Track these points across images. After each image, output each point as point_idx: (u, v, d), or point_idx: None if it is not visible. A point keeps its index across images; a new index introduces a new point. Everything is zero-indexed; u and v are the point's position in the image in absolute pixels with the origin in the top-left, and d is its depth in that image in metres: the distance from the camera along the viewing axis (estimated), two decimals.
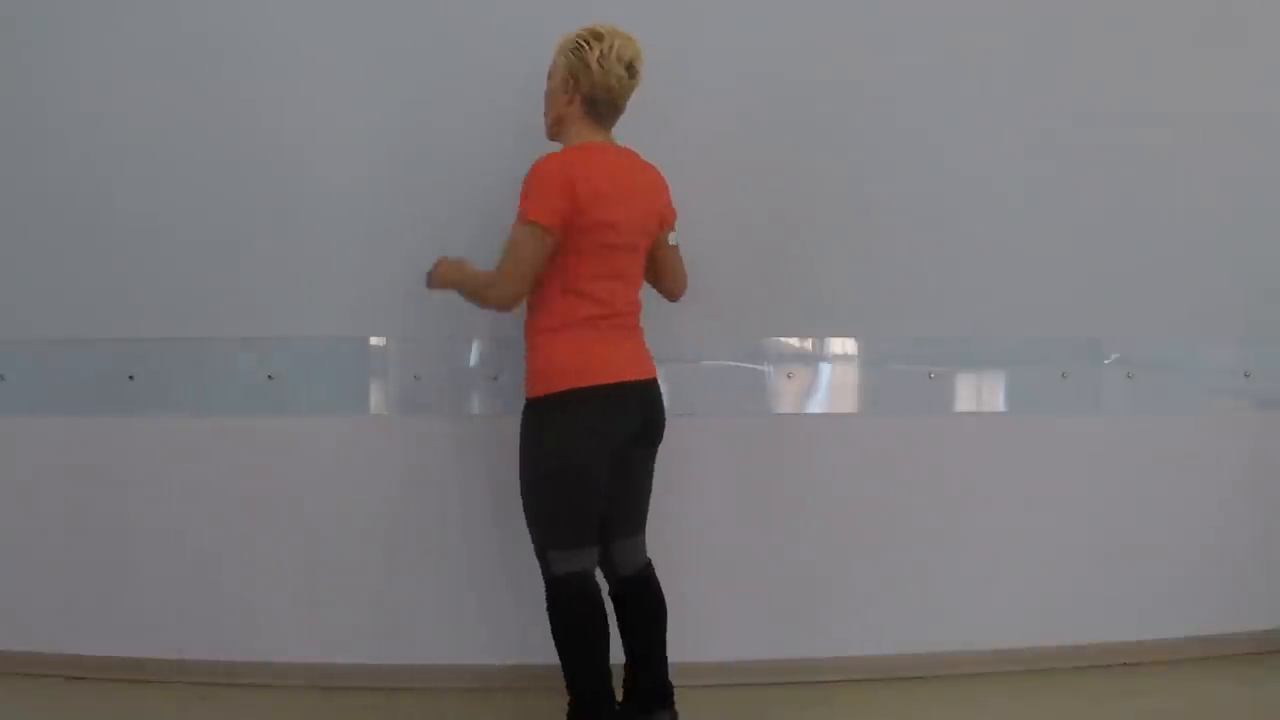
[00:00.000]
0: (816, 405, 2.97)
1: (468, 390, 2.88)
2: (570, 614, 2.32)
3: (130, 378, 2.85)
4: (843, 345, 2.98)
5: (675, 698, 2.43)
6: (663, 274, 2.55)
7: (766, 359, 2.93)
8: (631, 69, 2.35)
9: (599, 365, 2.30)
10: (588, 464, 2.30)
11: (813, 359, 2.97)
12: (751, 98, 2.88)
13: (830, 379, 2.99)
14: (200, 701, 2.74)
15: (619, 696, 2.41)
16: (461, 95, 2.79)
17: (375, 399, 2.92)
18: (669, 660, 2.46)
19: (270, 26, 2.82)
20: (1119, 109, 2.98)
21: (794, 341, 2.96)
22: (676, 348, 2.85)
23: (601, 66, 2.32)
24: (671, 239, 2.51)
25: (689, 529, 2.85)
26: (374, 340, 2.88)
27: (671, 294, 2.62)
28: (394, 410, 2.90)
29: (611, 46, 2.33)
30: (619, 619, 2.44)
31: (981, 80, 2.95)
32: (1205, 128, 3.02)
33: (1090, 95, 2.97)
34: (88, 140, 2.83)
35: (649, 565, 2.49)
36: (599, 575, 2.44)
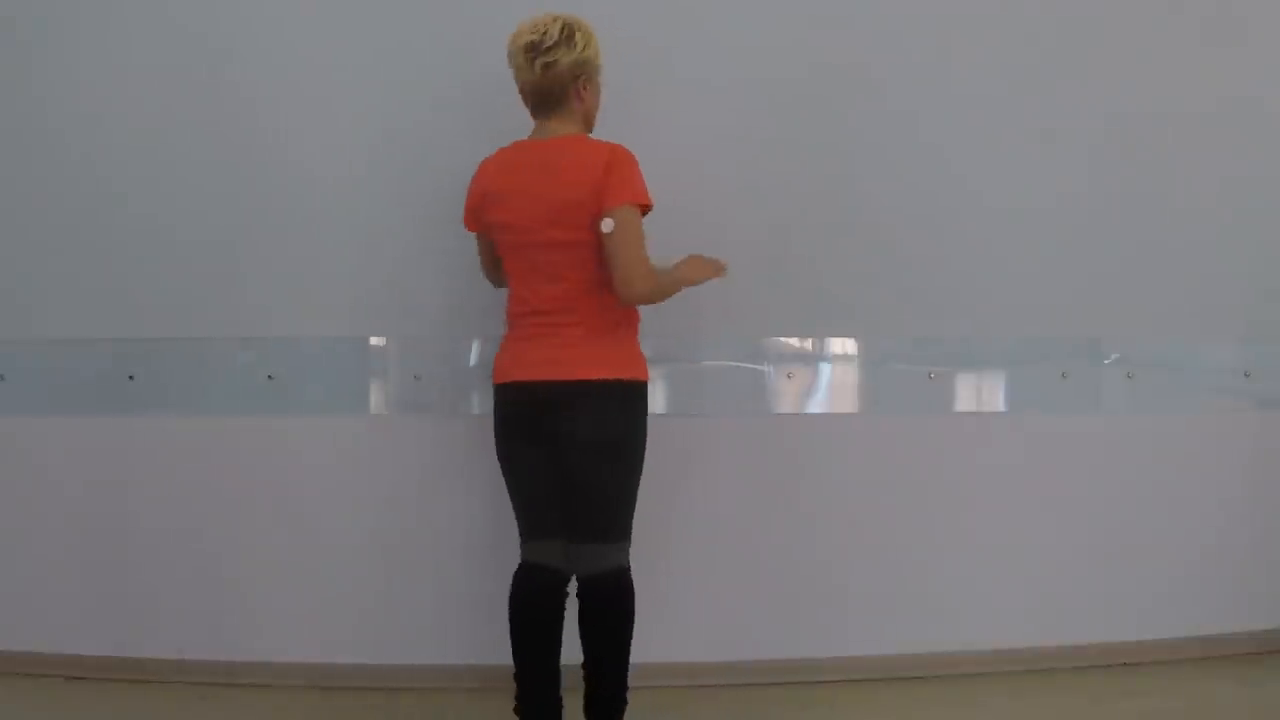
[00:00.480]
0: (816, 405, 2.97)
1: (468, 390, 2.88)
2: (510, 601, 2.34)
3: (130, 378, 2.85)
4: (843, 345, 2.98)
5: None
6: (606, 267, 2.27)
7: (766, 359, 2.93)
8: (527, 53, 2.27)
9: (501, 364, 2.38)
10: (507, 460, 2.37)
11: (813, 359, 2.97)
12: (751, 98, 2.88)
13: (830, 379, 2.99)
14: (200, 701, 2.74)
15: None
16: (462, 96, 2.79)
17: (375, 399, 2.92)
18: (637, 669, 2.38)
19: (271, 28, 2.83)
20: (1119, 109, 2.98)
21: (794, 341, 2.96)
22: (676, 348, 2.86)
23: (509, 57, 2.33)
24: (605, 226, 2.21)
25: (689, 529, 2.85)
26: (374, 340, 2.88)
27: (614, 290, 2.25)
28: (394, 410, 2.90)
29: (514, 34, 2.32)
30: None
31: (981, 80, 2.95)
32: (1206, 127, 3.02)
33: (1090, 95, 2.98)
34: (88, 140, 2.83)
35: (601, 578, 2.29)
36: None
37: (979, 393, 3.05)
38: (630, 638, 2.34)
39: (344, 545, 2.85)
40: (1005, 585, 2.96)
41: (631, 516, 2.34)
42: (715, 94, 2.86)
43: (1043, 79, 2.96)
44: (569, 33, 2.29)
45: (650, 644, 2.82)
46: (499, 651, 2.83)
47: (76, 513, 2.86)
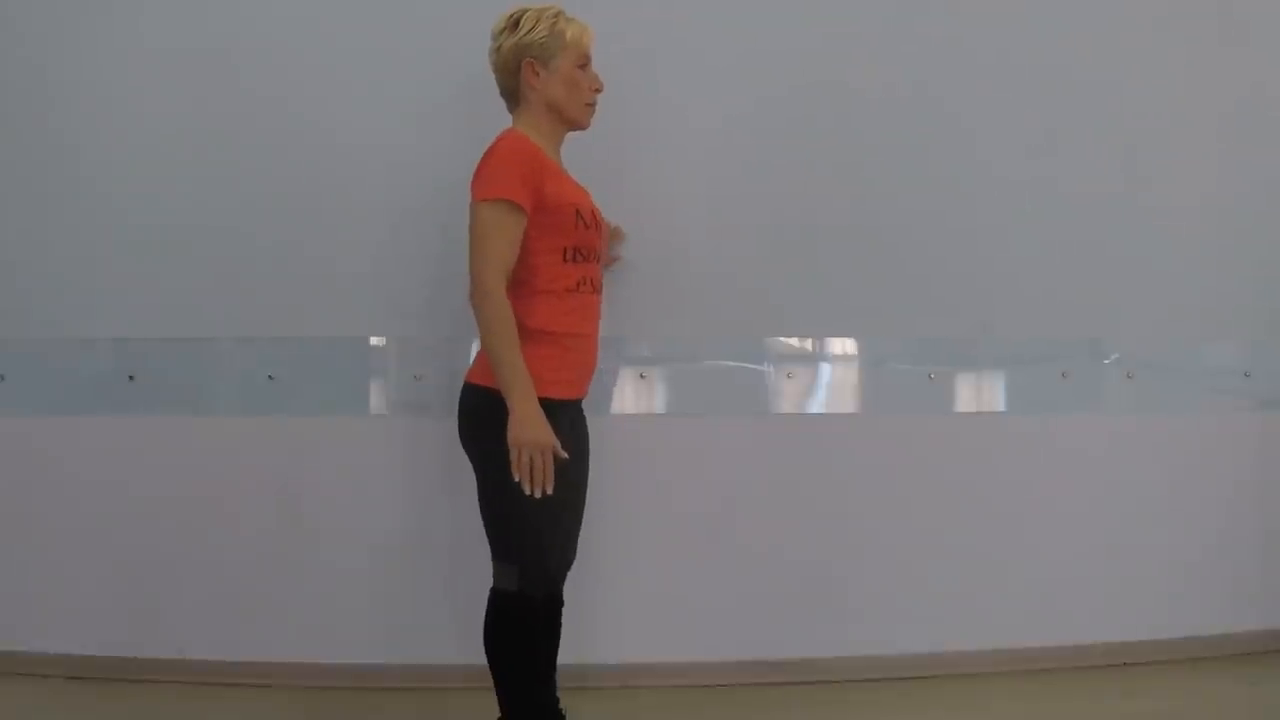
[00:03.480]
0: (816, 405, 2.96)
1: None
2: (535, 635, 2.33)
3: (130, 378, 2.85)
4: (843, 345, 2.98)
5: None
6: None
7: (766, 359, 2.93)
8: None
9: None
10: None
11: (813, 359, 2.97)
12: (752, 98, 2.88)
13: (830, 379, 2.99)
14: (200, 700, 2.74)
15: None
16: (464, 97, 2.78)
17: (375, 399, 2.92)
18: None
19: (272, 26, 2.83)
20: (1120, 109, 2.99)
21: (794, 341, 2.95)
22: (676, 348, 2.85)
23: None
24: None
25: (688, 529, 2.85)
26: (374, 340, 2.88)
27: None
28: (394, 410, 2.89)
29: None
30: None
31: (982, 80, 2.95)
32: (1206, 128, 3.02)
33: (1091, 95, 2.98)
34: (88, 141, 2.83)
35: (491, 593, 2.25)
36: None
37: (979, 393, 3.05)
38: (503, 664, 2.24)
39: (344, 545, 2.85)
40: (1005, 585, 2.96)
41: (512, 538, 2.19)
42: (719, 94, 2.86)
43: (1043, 79, 2.96)
44: (516, 19, 2.23)
45: (650, 644, 2.83)
46: None
47: (76, 513, 2.86)
